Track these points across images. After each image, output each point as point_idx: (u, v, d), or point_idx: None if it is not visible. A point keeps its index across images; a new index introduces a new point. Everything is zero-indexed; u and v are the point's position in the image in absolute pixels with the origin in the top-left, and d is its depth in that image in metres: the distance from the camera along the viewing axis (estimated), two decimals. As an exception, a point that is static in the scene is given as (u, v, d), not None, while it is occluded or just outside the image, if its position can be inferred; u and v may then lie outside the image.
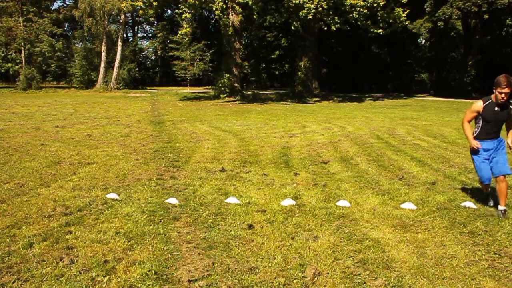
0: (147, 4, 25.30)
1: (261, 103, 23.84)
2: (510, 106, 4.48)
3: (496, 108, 4.45)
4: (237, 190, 5.35)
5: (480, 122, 4.60)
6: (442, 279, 3.12)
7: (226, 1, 24.69)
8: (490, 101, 4.49)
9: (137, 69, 42.44)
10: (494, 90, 4.39)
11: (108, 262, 3.26)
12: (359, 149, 8.58)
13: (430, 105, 23.27)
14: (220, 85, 27.65)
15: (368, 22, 24.05)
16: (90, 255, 3.37)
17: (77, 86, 37.75)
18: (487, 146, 4.57)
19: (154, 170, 6.44)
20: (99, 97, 27.80)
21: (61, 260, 3.27)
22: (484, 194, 4.96)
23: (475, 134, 4.66)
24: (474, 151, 4.64)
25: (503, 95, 4.30)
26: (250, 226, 4.07)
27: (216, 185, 5.59)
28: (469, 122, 4.68)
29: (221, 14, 24.56)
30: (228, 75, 27.53)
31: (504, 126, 4.63)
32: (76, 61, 38.29)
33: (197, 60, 39.36)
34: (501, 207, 4.51)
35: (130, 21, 52.09)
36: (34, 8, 38.53)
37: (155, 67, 55.66)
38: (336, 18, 23.22)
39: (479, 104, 4.54)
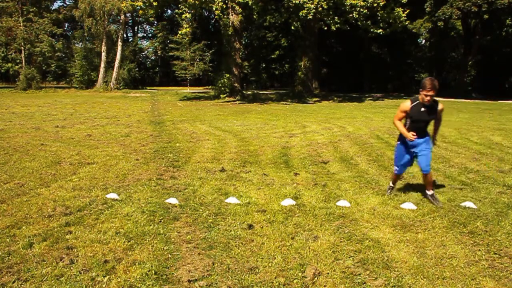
0: (147, 4, 25.30)
1: (261, 103, 23.84)
2: (436, 108, 4.73)
3: (422, 109, 4.69)
4: (237, 190, 5.34)
5: (408, 121, 4.87)
6: (442, 279, 3.12)
7: (226, 1, 24.69)
8: (417, 101, 4.72)
9: (137, 69, 42.45)
10: (420, 92, 4.62)
11: (108, 262, 3.26)
12: (359, 149, 8.58)
13: (430, 105, 23.23)
14: (220, 85, 27.65)
15: (368, 22, 24.04)
16: (90, 255, 3.37)
17: (77, 86, 37.76)
18: (415, 142, 4.82)
19: (154, 170, 6.44)
20: (99, 97, 27.80)
21: (61, 260, 3.27)
22: (390, 184, 5.29)
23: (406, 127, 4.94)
24: (402, 141, 4.95)
25: (428, 98, 4.54)
26: (250, 226, 4.07)
27: (216, 185, 5.59)
28: (400, 120, 4.96)
29: (221, 14, 24.55)
30: (228, 75, 27.53)
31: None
32: (76, 61, 38.30)
33: (197, 60, 39.37)
34: (428, 192, 4.93)
35: (130, 21, 52.11)
36: (34, 8, 38.54)
37: (155, 67, 55.67)
38: (336, 18, 23.22)
39: (407, 104, 4.81)
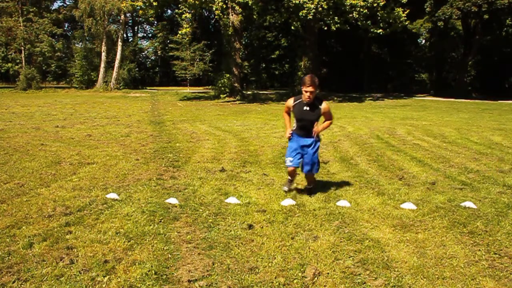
0: (147, 4, 25.30)
1: (261, 103, 23.84)
2: (319, 107, 4.65)
3: (305, 108, 4.64)
4: (237, 190, 5.35)
5: (295, 119, 4.86)
6: (442, 279, 3.12)
7: (226, 1, 24.69)
8: (300, 100, 4.68)
9: (137, 69, 42.44)
10: (302, 89, 4.56)
11: (108, 262, 3.26)
12: (359, 149, 8.58)
13: (430, 105, 23.27)
14: (220, 85, 27.65)
15: (368, 22, 24.04)
16: (90, 255, 3.37)
17: (77, 86, 37.75)
18: (304, 142, 4.80)
19: (154, 170, 6.44)
20: (99, 97, 27.80)
21: (61, 260, 3.27)
22: (288, 179, 5.21)
23: (293, 128, 4.88)
24: (295, 136, 4.87)
25: (308, 94, 4.49)
26: (250, 226, 4.07)
27: (216, 185, 5.59)
28: (287, 114, 4.96)
29: (221, 14, 24.55)
30: (228, 75, 27.53)
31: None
32: (76, 61, 38.28)
33: (197, 60, 39.37)
34: (308, 186, 5.13)
35: (130, 21, 52.10)
36: (34, 8, 38.56)
37: (155, 67, 55.65)
38: (336, 18, 23.21)
39: (290, 101, 4.80)
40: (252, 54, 46.98)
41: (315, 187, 5.22)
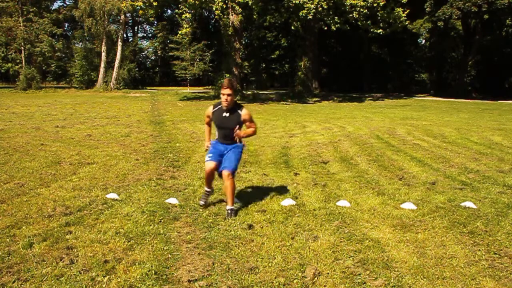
0: (147, 4, 25.30)
1: (261, 103, 23.84)
2: (239, 111, 4.42)
3: (225, 114, 4.42)
4: (237, 190, 5.34)
5: (216, 127, 4.61)
6: (442, 279, 3.12)
7: (226, 1, 24.68)
8: (220, 106, 4.46)
9: (137, 69, 42.41)
10: (220, 93, 4.42)
11: (108, 262, 3.26)
12: (359, 149, 8.58)
13: (430, 105, 23.27)
14: (220, 85, 27.67)
15: (368, 22, 24.05)
16: (90, 255, 3.37)
17: (77, 86, 37.74)
18: (223, 147, 4.55)
19: (154, 170, 6.44)
20: (99, 97, 27.79)
21: (61, 260, 3.27)
22: (204, 192, 4.73)
23: (217, 136, 4.62)
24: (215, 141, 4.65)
25: (225, 96, 4.30)
26: (250, 226, 4.07)
27: (216, 185, 5.58)
28: (208, 124, 4.78)
29: (221, 14, 24.56)
30: (228, 75, 27.53)
31: None
32: (76, 61, 38.27)
33: (197, 60, 39.36)
34: (228, 207, 4.40)
35: (130, 21, 52.06)
36: (34, 8, 38.54)
37: (155, 67, 55.63)
38: (336, 18, 23.22)
39: (209, 109, 4.57)
40: (252, 54, 46.96)
41: (234, 208, 4.45)
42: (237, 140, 4.55)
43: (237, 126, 4.42)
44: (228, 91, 4.29)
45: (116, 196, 4.94)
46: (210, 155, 4.52)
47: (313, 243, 3.69)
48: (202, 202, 4.70)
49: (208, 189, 4.71)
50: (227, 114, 4.42)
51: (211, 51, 40.58)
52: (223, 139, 4.56)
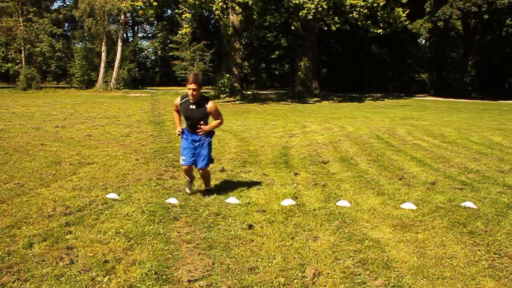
0: (147, 4, 25.29)
1: (261, 103, 23.83)
2: (205, 105, 4.67)
3: (191, 106, 4.67)
4: (237, 190, 5.34)
5: (183, 117, 4.86)
6: (442, 279, 3.12)
7: (226, 1, 24.67)
8: (187, 98, 4.70)
9: (137, 69, 42.38)
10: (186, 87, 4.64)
11: (108, 262, 3.26)
12: (359, 149, 8.58)
13: (430, 105, 23.27)
14: (220, 85, 27.64)
15: (368, 22, 24.03)
16: (90, 255, 3.37)
17: (77, 86, 37.71)
18: (194, 138, 4.80)
19: (154, 170, 6.44)
20: (99, 97, 27.79)
21: (61, 260, 3.27)
22: (187, 181, 5.12)
23: (185, 126, 4.88)
24: (186, 134, 4.86)
25: (191, 91, 4.55)
26: (250, 226, 4.07)
27: (216, 185, 5.59)
28: (176, 112, 4.91)
29: (221, 14, 24.54)
30: (228, 75, 27.53)
31: None
32: (76, 61, 38.24)
33: (197, 60, 39.35)
34: (206, 188, 5.13)
35: (130, 21, 52.02)
36: (34, 8, 38.51)
37: (155, 67, 55.60)
38: (336, 18, 23.21)
39: (177, 100, 4.84)
40: (252, 54, 46.94)
41: (211, 188, 5.18)
42: (202, 135, 4.79)
43: (202, 122, 4.70)
44: (193, 86, 4.52)
45: (116, 196, 4.94)
46: (184, 157, 4.82)
47: (313, 243, 3.69)
48: (188, 191, 5.10)
49: (189, 179, 5.07)
50: (194, 107, 4.68)
51: (211, 51, 40.57)
52: (190, 128, 4.80)
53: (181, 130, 4.84)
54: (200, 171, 4.91)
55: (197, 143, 4.80)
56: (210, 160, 4.95)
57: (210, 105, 4.69)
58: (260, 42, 46.37)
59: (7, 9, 36.58)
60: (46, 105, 19.27)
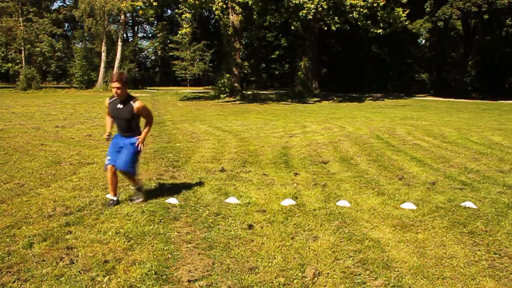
0: (147, 4, 25.29)
1: (261, 103, 23.83)
2: (132, 103, 4.49)
3: (119, 106, 4.54)
4: (237, 190, 5.35)
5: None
6: (442, 279, 3.12)
7: (226, 1, 24.68)
8: (115, 98, 4.57)
9: (137, 69, 42.44)
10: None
11: (108, 262, 3.26)
12: (359, 149, 8.58)
13: (430, 105, 23.27)
14: (220, 85, 27.65)
15: (368, 22, 24.04)
16: (90, 255, 3.37)
17: (77, 86, 37.73)
18: (122, 140, 4.71)
19: (154, 170, 6.44)
20: (99, 97, 27.79)
21: (61, 260, 3.27)
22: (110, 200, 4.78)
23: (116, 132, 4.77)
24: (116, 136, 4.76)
25: (115, 90, 4.42)
26: (250, 226, 4.07)
27: (216, 185, 5.59)
28: (108, 115, 4.80)
29: (221, 14, 24.54)
30: (228, 75, 27.53)
31: None
32: (76, 61, 38.27)
33: (197, 60, 39.38)
34: (135, 186, 4.88)
35: (130, 21, 52.08)
36: (34, 8, 38.54)
37: (155, 67, 55.63)
38: (336, 18, 23.21)
39: (106, 100, 4.71)
40: (252, 54, 46.97)
41: (141, 188, 4.92)
42: (140, 145, 4.71)
43: (139, 140, 4.64)
44: (116, 84, 4.38)
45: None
46: (109, 157, 4.70)
47: (313, 243, 3.69)
48: (110, 196, 4.74)
49: (113, 198, 4.70)
50: (121, 106, 4.54)
51: (211, 51, 40.60)
52: (119, 130, 4.72)
53: (108, 134, 4.77)
54: (118, 171, 4.66)
55: (121, 145, 4.70)
56: (131, 168, 4.68)
57: (137, 104, 4.50)
58: (260, 42, 46.39)
59: (7, 9, 36.59)
60: (46, 105, 19.27)
